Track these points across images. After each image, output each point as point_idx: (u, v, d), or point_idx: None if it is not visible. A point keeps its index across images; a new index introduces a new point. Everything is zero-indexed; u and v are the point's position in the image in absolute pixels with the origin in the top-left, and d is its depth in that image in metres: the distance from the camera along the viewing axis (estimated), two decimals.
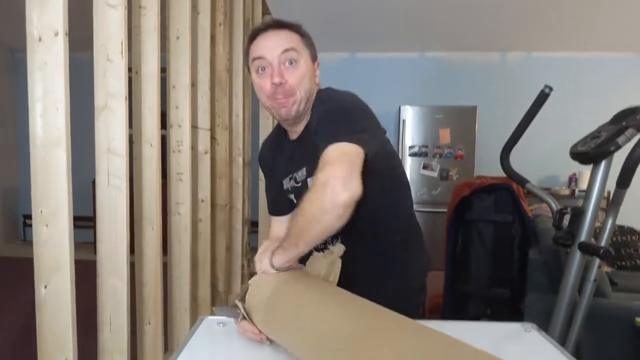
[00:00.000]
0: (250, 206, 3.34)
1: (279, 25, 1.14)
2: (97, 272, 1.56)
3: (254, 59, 1.13)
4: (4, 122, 5.54)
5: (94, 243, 1.60)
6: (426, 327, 0.75)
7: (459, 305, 2.68)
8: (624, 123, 1.74)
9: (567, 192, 4.79)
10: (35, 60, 1.23)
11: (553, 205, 1.99)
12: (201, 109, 2.30)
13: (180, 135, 2.09)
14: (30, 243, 1.27)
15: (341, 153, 0.96)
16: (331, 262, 1.03)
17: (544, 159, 5.00)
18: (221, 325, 1.11)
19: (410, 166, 4.61)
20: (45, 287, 1.28)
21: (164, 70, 1.96)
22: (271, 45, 1.11)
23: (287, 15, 1.20)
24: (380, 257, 1.24)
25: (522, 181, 2.09)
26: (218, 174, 2.56)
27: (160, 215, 1.83)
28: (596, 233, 1.93)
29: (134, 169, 1.78)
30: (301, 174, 1.22)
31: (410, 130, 4.63)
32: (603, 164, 1.79)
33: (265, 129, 3.56)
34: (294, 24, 1.16)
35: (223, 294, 2.65)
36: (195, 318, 2.18)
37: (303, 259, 1.06)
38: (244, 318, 0.99)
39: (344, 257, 1.05)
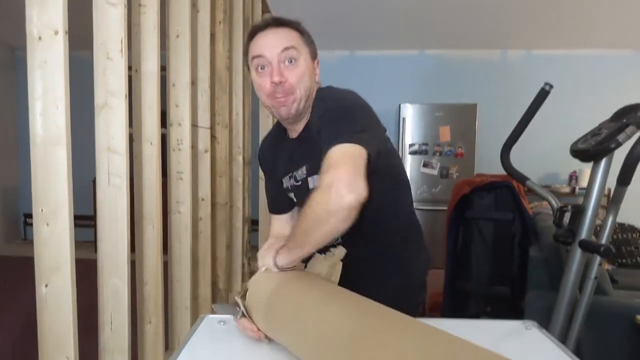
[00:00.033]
0: (251, 205, 3.34)
1: (279, 23, 1.13)
2: (98, 271, 1.56)
3: (254, 57, 1.12)
4: (4, 120, 5.54)
5: (95, 242, 1.60)
6: (427, 325, 0.75)
7: (460, 303, 2.68)
8: (624, 120, 1.74)
9: (567, 189, 4.80)
10: (35, 59, 1.23)
11: (553, 202, 1.99)
12: (201, 108, 2.30)
13: (181, 133, 2.08)
14: (31, 242, 1.27)
15: (345, 155, 0.95)
16: (332, 264, 1.03)
17: (544, 157, 5.00)
18: (222, 323, 1.11)
19: (410, 164, 4.61)
20: (46, 286, 1.28)
21: (163, 68, 1.95)
22: (271, 44, 1.10)
23: (287, 13, 1.19)
24: (380, 255, 1.24)
25: (522, 179, 2.09)
26: (218, 172, 2.56)
27: (161, 214, 1.83)
28: (597, 231, 1.93)
29: (134, 168, 1.78)
30: (301, 172, 1.22)
31: (411, 128, 4.63)
32: (603, 161, 1.79)
33: (265, 128, 3.55)
34: (294, 22, 1.15)
35: (224, 293, 2.65)
36: (196, 317, 2.18)
37: (305, 260, 1.06)
38: (244, 315, 1.00)
39: (345, 257, 1.05)
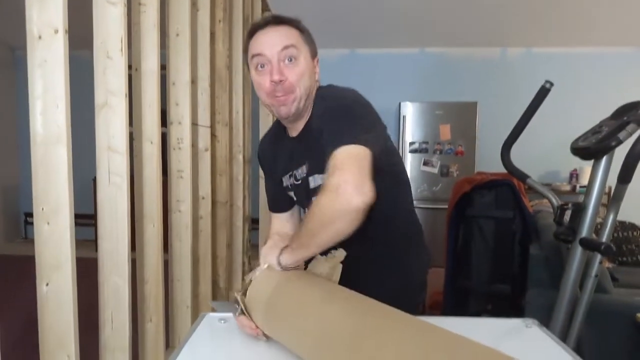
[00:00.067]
0: (251, 203, 3.35)
1: (278, 21, 1.12)
2: (99, 269, 1.56)
3: (253, 55, 1.11)
4: (4, 120, 5.54)
5: (95, 241, 1.60)
6: (428, 323, 0.75)
7: (460, 302, 2.68)
8: (625, 118, 1.74)
9: (568, 187, 4.79)
10: (35, 58, 1.23)
11: (554, 200, 1.99)
12: (201, 106, 2.30)
13: (181, 132, 2.08)
14: (32, 241, 1.27)
15: (350, 156, 0.95)
16: (333, 265, 1.03)
17: (545, 155, 5.00)
18: (222, 321, 1.11)
19: (410, 163, 4.61)
20: (47, 284, 1.29)
21: (163, 67, 1.95)
22: (270, 42, 1.09)
23: (287, 11, 1.19)
24: (380, 254, 1.24)
25: (522, 177, 2.09)
26: (218, 171, 2.56)
27: (161, 213, 1.83)
28: (597, 229, 1.93)
29: (135, 167, 1.78)
30: (301, 171, 1.22)
31: (411, 126, 4.63)
32: (604, 159, 1.78)
33: (265, 126, 3.55)
34: (294, 20, 1.14)
35: (224, 291, 2.65)
36: (196, 315, 2.18)
37: (306, 261, 1.06)
38: (242, 313, 1.00)
39: (345, 256, 1.05)
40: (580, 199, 1.89)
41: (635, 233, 3.48)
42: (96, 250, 1.55)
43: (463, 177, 2.94)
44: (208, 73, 2.31)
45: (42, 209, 1.26)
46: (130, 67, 1.67)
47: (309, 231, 0.97)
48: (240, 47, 2.79)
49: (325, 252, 1.09)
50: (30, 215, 1.86)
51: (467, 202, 2.63)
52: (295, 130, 1.22)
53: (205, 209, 2.35)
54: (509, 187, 2.52)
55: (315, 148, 1.10)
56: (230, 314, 1.09)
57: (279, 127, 1.31)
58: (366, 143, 0.98)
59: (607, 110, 1.94)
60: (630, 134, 1.69)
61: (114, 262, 1.55)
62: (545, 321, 1.68)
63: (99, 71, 1.51)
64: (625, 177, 1.73)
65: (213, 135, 2.45)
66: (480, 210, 2.58)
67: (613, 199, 1.83)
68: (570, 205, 1.88)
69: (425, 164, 4.60)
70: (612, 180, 1.79)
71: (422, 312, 1.30)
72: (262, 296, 0.97)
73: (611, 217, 1.82)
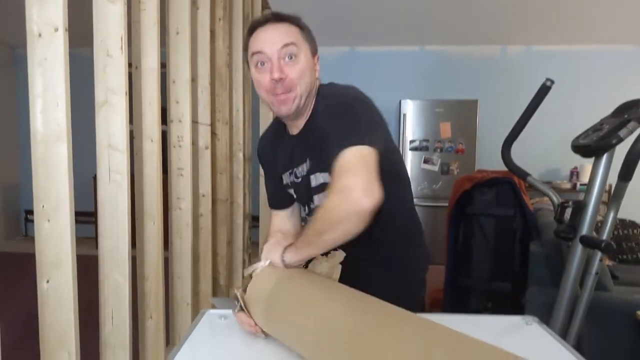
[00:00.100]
0: (251, 201, 3.35)
1: (278, 18, 1.12)
2: (99, 267, 1.56)
3: (253, 53, 1.11)
4: (4, 118, 5.54)
5: (95, 238, 1.60)
6: (428, 320, 0.75)
7: (460, 299, 2.68)
8: (626, 116, 1.74)
9: (568, 185, 4.79)
10: (35, 56, 1.23)
11: (554, 198, 1.99)
12: (201, 104, 2.30)
13: (181, 130, 2.08)
14: (32, 238, 1.27)
15: (358, 158, 0.96)
16: (332, 266, 1.03)
17: (546, 153, 5.00)
18: (223, 318, 1.11)
19: (410, 160, 4.61)
20: (47, 282, 1.29)
21: (163, 65, 1.95)
22: (270, 40, 1.08)
23: (287, 9, 1.18)
24: (380, 252, 1.24)
25: (523, 175, 2.09)
26: (219, 169, 2.56)
27: (161, 210, 1.83)
28: (598, 227, 1.93)
29: (135, 165, 1.78)
30: (301, 169, 1.21)
31: (411, 124, 4.63)
32: (605, 157, 1.78)
33: (266, 124, 3.54)
34: (294, 17, 1.13)
35: (224, 289, 2.65)
36: (196, 312, 2.18)
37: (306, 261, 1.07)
38: (242, 309, 1.00)
39: (345, 254, 1.05)
40: (581, 196, 1.89)
41: (635, 231, 3.48)
42: (96, 247, 1.56)
43: (463, 175, 2.94)
44: (208, 71, 2.31)
45: (43, 206, 1.26)
46: (130, 65, 1.67)
47: (316, 231, 0.97)
48: (240, 45, 2.78)
49: (325, 253, 1.09)
50: (31, 212, 1.86)
51: (468, 200, 2.63)
52: (295, 127, 1.22)
53: (206, 206, 2.35)
54: (510, 185, 2.51)
55: (316, 146, 1.10)
56: (230, 311, 1.09)
57: (279, 125, 1.31)
58: (372, 143, 0.98)
59: (607, 108, 1.94)
60: (631, 132, 1.69)
61: (114, 259, 1.55)
62: (546, 319, 1.68)
63: (99, 69, 1.51)
64: (625, 175, 1.73)
65: (213, 133, 2.45)
66: (480, 208, 2.58)
67: (613, 197, 1.83)
68: (570, 203, 1.88)
69: (426, 161, 4.60)
70: (613, 178, 1.79)
71: (422, 310, 1.30)
72: (262, 293, 0.97)
73: (611, 214, 1.82)
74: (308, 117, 1.18)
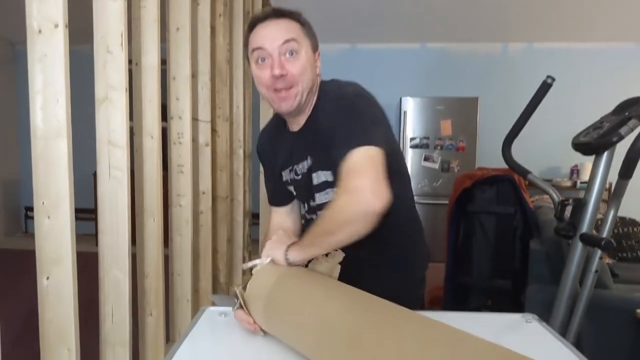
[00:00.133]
0: (251, 198, 3.35)
1: (279, 14, 1.10)
2: (99, 263, 1.56)
3: (254, 49, 1.10)
4: (4, 114, 5.54)
5: (95, 235, 1.60)
6: (428, 318, 0.75)
7: (460, 297, 2.68)
8: (626, 114, 1.73)
9: (568, 183, 4.79)
10: (35, 53, 1.23)
11: (555, 196, 1.99)
12: (201, 101, 2.30)
13: (181, 127, 2.08)
14: (32, 235, 1.27)
15: (366, 159, 0.97)
16: (332, 266, 1.03)
17: (546, 150, 5.00)
18: (223, 316, 1.11)
19: (411, 158, 4.61)
20: (47, 278, 1.29)
21: (164, 61, 1.95)
22: (271, 36, 1.07)
23: (287, 5, 1.18)
24: (380, 250, 1.23)
25: (523, 172, 2.09)
26: (219, 166, 2.56)
27: (161, 207, 1.83)
28: (598, 225, 1.93)
29: (135, 161, 1.78)
30: (302, 166, 1.21)
31: (412, 121, 4.62)
32: (605, 154, 1.78)
33: (266, 121, 3.51)
34: (294, 12, 1.12)
35: (224, 286, 2.66)
36: (196, 310, 2.18)
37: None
38: (240, 307, 1.00)
39: (345, 252, 1.05)
40: (581, 194, 1.89)
41: (635, 229, 3.48)
42: (96, 244, 1.56)
43: (464, 173, 2.94)
44: (208, 67, 2.31)
45: (43, 203, 1.26)
46: (130, 61, 1.66)
47: (323, 231, 0.97)
48: (240, 42, 2.78)
49: (325, 253, 1.09)
50: (31, 209, 1.86)
51: (468, 197, 2.63)
52: (296, 124, 1.21)
53: (206, 203, 2.35)
54: (510, 182, 2.51)
55: (319, 144, 1.10)
56: (230, 309, 1.09)
57: (279, 121, 1.30)
58: (377, 142, 0.99)
59: (608, 106, 1.93)
60: (632, 130, 1.69)
61: (114, 256, 1.55)
62: (546, 316, 1.69)
63: (99, 66, 1.51)
64: (626, 172, 1.73)
65: (213, 130, 2.45)
66: (481, 206, 2.58)
67: (614, 195, 1.83)
68: (571, 201, 1.88)
69: (426, 159, 4.60)
70: (613, 176, 1.79)
71: (422, 308, 1.29)
72: (262, 291, 0.97)
73: (612, 213, 1.82)
74: (309, 113, 1.17)
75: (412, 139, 4.61)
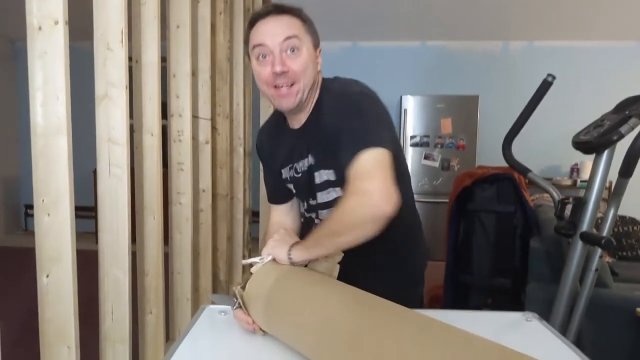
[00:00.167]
0: (251, 196, 3.34)
1: (280, 10, 1.09)
2: (99, 261, 1.56)
3: (254, 46, 1.09)
4: (4, 111, 5.53)
5: (95, 233, 1.60)
6: (428, 317, 0.75)
7: (460, 296, 2.68)
8: (627, 112, 1.73)
9: (568, 182, 4.79)
10: (35, 50, 1.22)
11: (555, 195, 1.98)
12: (202, 98, 2.29)
13: (181, 124, 2.08)
14: (32, 233, 1.27)
15: (375, 162, 0.96)
16: (331, 266, 1.03)
17: (546, 149, 4.99)
18: (222, 314, 1.11)
19: (411, 156, 4.60)
20: (47, 276, 1.29)
21: (164, 59, 1.94)
22: (272, 32, 1.06)
23: (288, 1, 1.17)
24: (380, 250, 1.22)
25: (524, 171, 2.09)
26: (219, 163, 2.56)
27: (162, 205, 1.83)
28: (598, 223, 1.93)
29: (135, 159, 1.77)
30: (302, 165, 1.20)
31: (412, 120, 4.62)
32: (605, 153, 1.78)
33: (266, 118, 3.53)
34: (295, 9, 1.11)
35: (224, 284, 2.66)
36: (196, 308, 2.18)
37: None
38: (240, 307, 0.99)
39: (345, 252, 1.05)
40: (581, 193, 1.89)
41: (635, 228, 3.48)
42: (96, 242, 1.56)
43: (464, 171, 2.94)
44: (209, 65, 2.30)
45: (43, 200, 1.26)
46: (130, 59, 1.66)
47: (330, 232, 0.97)
48: (241, 39, 2.77)
49: None
50: (31, 207, 1.86)
51: (468, 196, 2.63)
52: (297, 122, 1.20)
53: (206, 201, 2.35)
54: (510, 181, 2.51)
55: (322, 143, 1.09)
56: (229, 307, 1.09)
57: (279, 118, 1.29)
58: (385, 144, 0.99)
59: (608, 104, 1.93)
60: (632, 128, 1.68)
61: (114, 254, 1.55)
62: (546, 315, 1.68)
63: (99, 63, 1.51)
64: (626, 171, 1.73)
65: (213, 128, 2.45)
66: (481, 205, 2.58)
67: (614, 194, 1.83)
68: (571, 199, 1.88)
69: (426, 157, 4.60)
70: (613, 175, 1.79)
71: (421, 306, 1.29)
72: (262, 290, 0.97)
73: (612, 211, 1.82)
74: (311, 111, 1.16)
75: (412, 137, 4.61)
